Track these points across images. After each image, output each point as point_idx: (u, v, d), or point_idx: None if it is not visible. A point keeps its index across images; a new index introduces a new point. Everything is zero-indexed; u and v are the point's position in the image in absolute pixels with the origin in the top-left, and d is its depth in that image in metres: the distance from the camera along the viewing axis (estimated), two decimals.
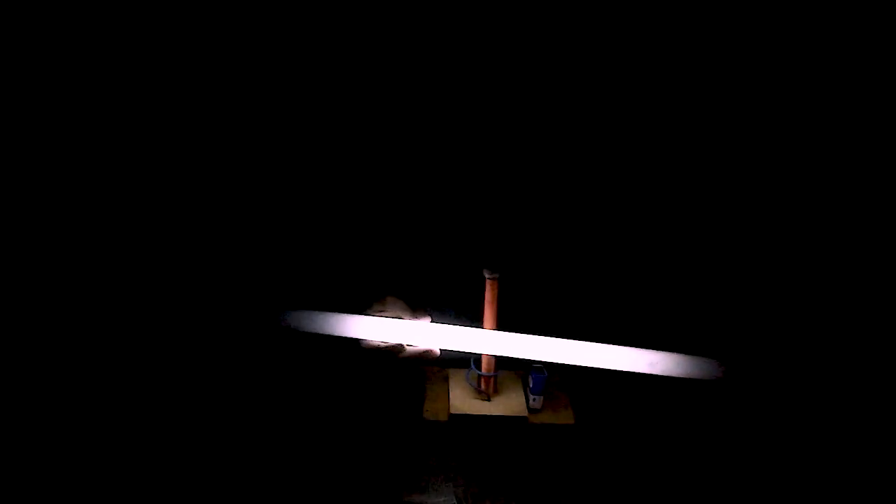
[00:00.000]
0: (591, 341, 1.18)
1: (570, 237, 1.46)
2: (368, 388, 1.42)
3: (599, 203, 1.44)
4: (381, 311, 1.24)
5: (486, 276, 1.33)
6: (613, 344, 1.16)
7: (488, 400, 1.39)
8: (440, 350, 1.25)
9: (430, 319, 1.24)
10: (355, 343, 1.21)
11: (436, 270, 1.48)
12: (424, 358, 1.26)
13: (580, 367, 1.19)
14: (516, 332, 1.24)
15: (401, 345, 1.22)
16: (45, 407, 1.27)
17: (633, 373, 1.20)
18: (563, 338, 1.18)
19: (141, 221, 1.38)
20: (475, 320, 1.35)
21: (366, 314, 1.20)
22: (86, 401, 1.29)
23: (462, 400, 1.39)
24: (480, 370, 1.39)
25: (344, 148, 1.42)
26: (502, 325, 1.35)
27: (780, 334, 1.40)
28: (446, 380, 1.45)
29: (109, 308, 1.30)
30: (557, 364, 1.19)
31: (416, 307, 1.26)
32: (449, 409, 1.38)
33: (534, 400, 1.38)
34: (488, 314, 1.35)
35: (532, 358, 1.19)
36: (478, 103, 1.37)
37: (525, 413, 1.37)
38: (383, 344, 1.20)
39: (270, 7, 1.31)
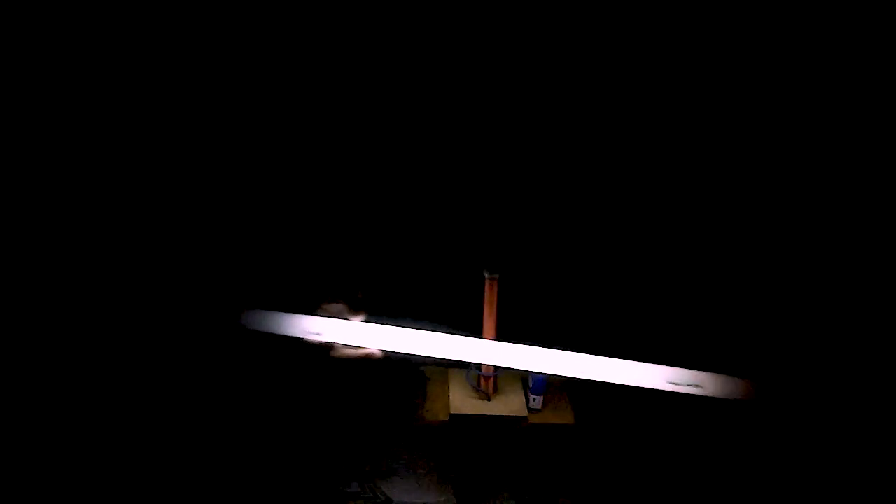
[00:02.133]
0: (593, 347, 1.17)
1: (571, 238, 1.45)
2: (367, 390, 1.42)
3: (599, 204, 1.43)
4: (326, 313, 1.23)
5: (486, 276, 1.33)
6: (621, 353, 1.14)
7: (488, 400, 1.39)
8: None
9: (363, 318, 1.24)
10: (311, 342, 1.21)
11: (434, 272, 1.47)
12: (369, 358, 1.26)
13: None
14: (516, 331, 1.24)
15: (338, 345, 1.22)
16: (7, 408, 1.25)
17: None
18: (564, 344, 1.16)
19: (102, 221, 1.35)
20: (474, 322, 1.34)
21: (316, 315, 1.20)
22: (39, 399, 1.27)
23: (462, 400, 1.39)
24: (480, 370, 1.39)
25: (333, 147, 1.39)
26: (502, 325, 1.34)
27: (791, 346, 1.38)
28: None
29: (69, 309, 1.28)
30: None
31: (356, 308, 1.25)
32: (449, 409, 1.37)
33: (534, 400, 1.38)
34: (488, 314, 1.34)
35: (533, 370, 1.17)
36: (473, 102, 1.35)
37: (525, 413, 1.37)
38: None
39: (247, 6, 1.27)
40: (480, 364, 1.38)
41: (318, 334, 1.19)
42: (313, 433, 1.34)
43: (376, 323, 1.21)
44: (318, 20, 1.30)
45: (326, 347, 1.26)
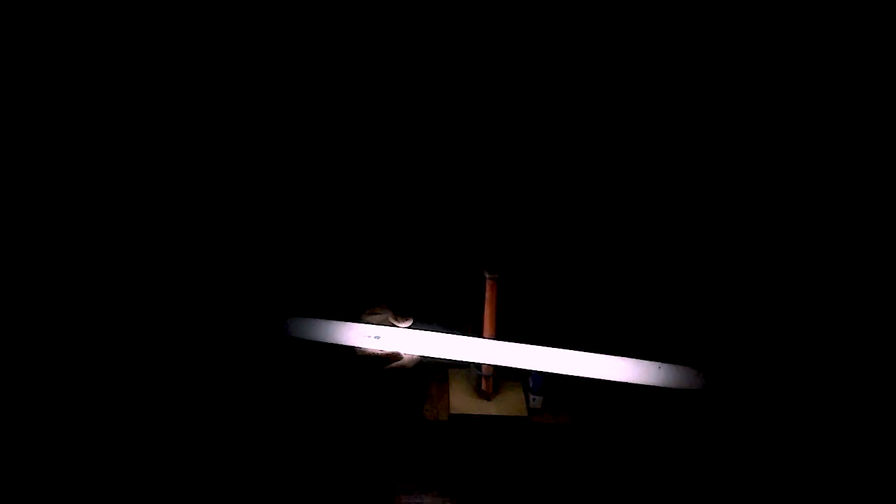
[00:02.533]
0: (593, 345, 1.16)
1: (571, 238, 1.45)
2: (368, 389, 1.42)
3: (599, 204, 1.43)
4: (371, 319, 1.22)
5: (486, 275, 1.33)
6: (607, 349, 1.14)
7: (488, 400, 1.39)
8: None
9: (410, 324, 1.23)
10: (351, 350, 1.20)
11: (434, 274, 1.47)
12: (408, 365, 1.25)
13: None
14: (514, 328, 1.24)
15: (397, 353, 1.20)
16: (44, 411, 1.26)
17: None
18: (558, 343, 1.16)
19: (143, 229, 1.36)
20: (473, 322, 1.34)
21: (359, 321, 1.19)
22: (85, 407, 1.28)
23: (462, 400, 1.39)
24: (480, 370, 1.39)
25: (341, 151, 1.39)
26: (500, 324, 1.34)
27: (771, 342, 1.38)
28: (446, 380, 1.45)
29: (112, 315, 1.30)
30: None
31: (401, 312, 1.24)
32: (449, 409, 1.37)
33: (534, 400, 1.38)
34: (488, 313, 1.34)
35: (522, 367, 1.16)
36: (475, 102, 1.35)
37: (525, 413, 1.37)
38: (381, 352, 1.19)
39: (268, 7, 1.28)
40: (480, 364, 1.38)
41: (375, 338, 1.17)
42: (313, 433, 1.34)
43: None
44: (321, 24, 1.31)
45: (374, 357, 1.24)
